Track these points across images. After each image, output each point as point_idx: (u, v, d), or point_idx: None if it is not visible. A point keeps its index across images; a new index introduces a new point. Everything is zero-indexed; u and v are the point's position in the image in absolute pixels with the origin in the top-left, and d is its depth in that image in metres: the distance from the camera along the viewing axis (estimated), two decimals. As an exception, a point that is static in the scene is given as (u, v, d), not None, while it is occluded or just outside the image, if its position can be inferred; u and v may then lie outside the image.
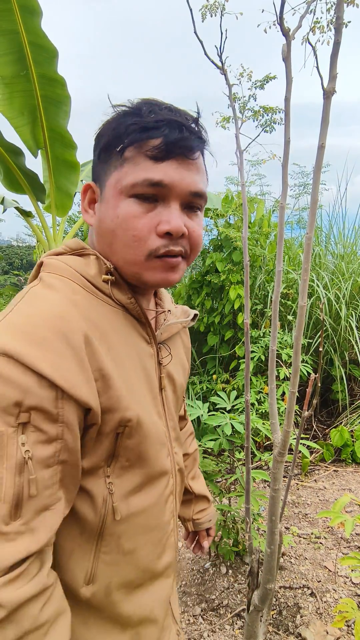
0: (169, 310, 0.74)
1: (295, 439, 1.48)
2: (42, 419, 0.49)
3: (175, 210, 0.57)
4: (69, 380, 0.50)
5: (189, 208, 0.60)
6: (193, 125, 0.58)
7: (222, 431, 1.79)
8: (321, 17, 1.27)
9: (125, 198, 0.56)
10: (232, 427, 1.78)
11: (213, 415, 1.88)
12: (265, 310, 3.51)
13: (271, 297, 3.49)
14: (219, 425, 1.79)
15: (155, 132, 0.54)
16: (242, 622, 1.80)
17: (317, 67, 0.94)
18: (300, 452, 2.02)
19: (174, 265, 0.59)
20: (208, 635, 1.74)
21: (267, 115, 1.73)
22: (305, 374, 2.70)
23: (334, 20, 1.05)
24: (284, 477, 1.72)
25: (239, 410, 2.38)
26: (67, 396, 0.50)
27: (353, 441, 3.19)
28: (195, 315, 0.78)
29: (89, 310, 0.56)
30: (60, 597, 0.52)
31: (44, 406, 0.49)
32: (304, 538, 2.34)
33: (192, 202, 0.59)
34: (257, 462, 3.17)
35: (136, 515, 0.62)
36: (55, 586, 0.52)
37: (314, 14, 1.25)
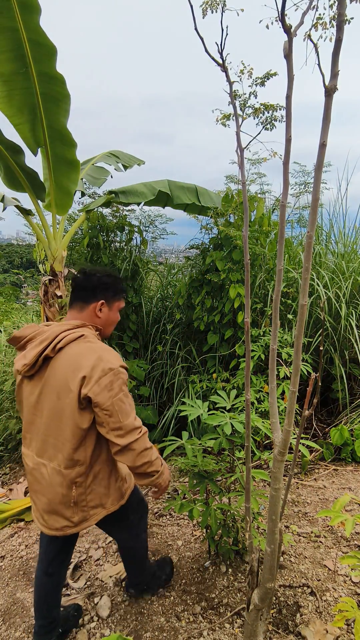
0: None
1: (295, 438, 1.48)
2: (126, 382, 1.44)
3: None
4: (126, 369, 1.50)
5: None
6: None
7: (222, 430, 1.79)
8: (324, 13, 1.25)
9: (117, 311, 1.66)
10: (232, 426, 1.78)
11: (213, 414, 1.87)
12: (265, 309, 3.50)
13: (271, 296, 3.49)
14: (219, 425, 1.79)
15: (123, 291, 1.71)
16: (242, 620, 1.80)
17: (319, 65, 0.94)
18: (300, 451, 2.02)
19: None
20: (208, 634, 1.74)
21: (268, 112, 1.72)
22: (306, 373, 2.69)
23: (336, 17, 1.04)
24: (284, 476, 1.72)
25: (239, 409, 2.38)
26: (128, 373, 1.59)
27: (353, 440, 3.19)
28: None
29: None
30: None
31: (127, 378, 1.45)
32: (303, 537, 2.34)
33: None
34: (256, 461, 3.17)
35: None
36: None
37: (317, 10, 1.24)
